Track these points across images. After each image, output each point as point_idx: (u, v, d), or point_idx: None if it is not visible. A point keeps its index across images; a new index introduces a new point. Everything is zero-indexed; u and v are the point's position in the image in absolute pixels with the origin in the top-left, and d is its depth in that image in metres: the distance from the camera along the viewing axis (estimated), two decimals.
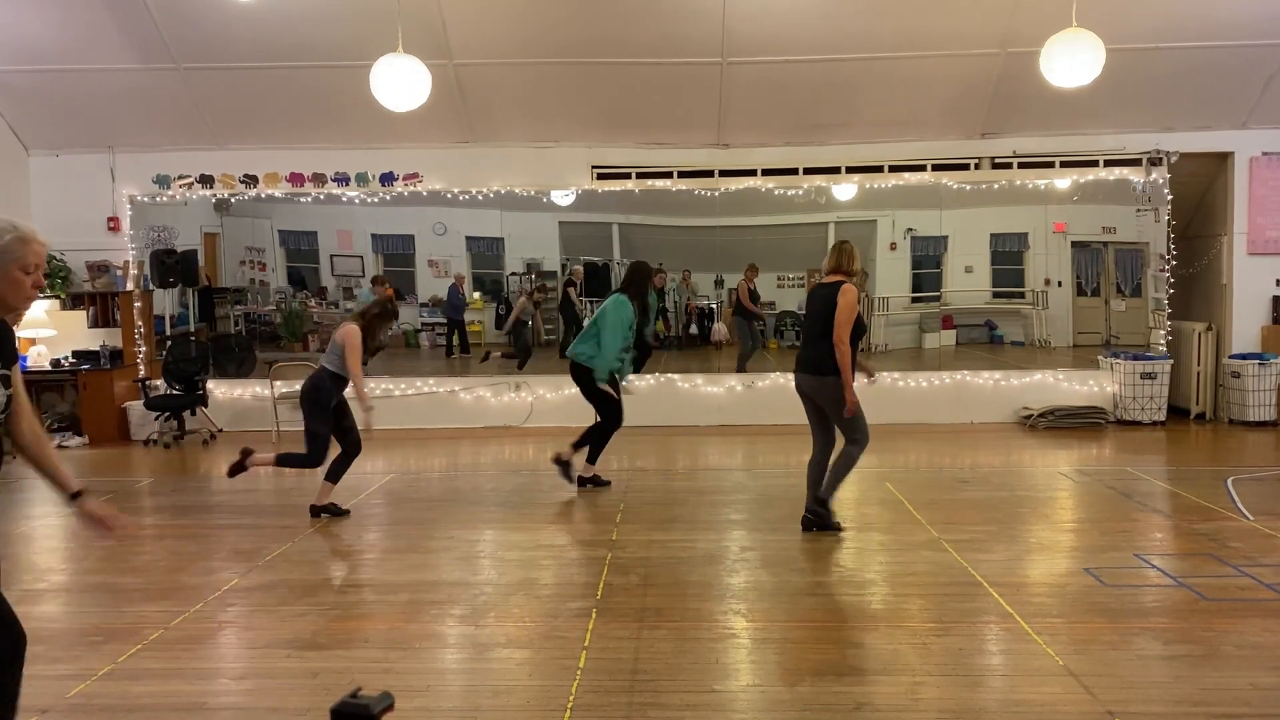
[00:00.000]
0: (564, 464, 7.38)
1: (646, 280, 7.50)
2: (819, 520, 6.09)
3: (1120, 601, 4.79)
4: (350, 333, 6.50)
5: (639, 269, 7.46)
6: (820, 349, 5.89)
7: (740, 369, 11.31)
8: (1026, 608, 4.69)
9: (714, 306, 13.44)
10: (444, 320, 13.32)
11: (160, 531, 6.55)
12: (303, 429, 6.67)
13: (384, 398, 10.54)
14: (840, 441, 6.05)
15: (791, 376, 6.16)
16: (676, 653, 4.21)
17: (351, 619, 4.78)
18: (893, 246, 12.69)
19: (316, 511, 6.70)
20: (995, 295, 13.18)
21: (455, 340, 13.20)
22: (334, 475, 6.74)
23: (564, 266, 13.32)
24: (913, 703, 3.69)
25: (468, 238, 13.35)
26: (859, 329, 5.90)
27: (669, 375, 10.89)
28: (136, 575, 5.49)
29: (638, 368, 9.10)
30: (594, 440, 7.43)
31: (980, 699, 3.75)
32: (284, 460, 6.76)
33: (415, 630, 4.56)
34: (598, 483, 7.50)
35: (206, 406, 10.36)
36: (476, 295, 13.39)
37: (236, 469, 6.71)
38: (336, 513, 6.72)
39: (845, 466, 6.03)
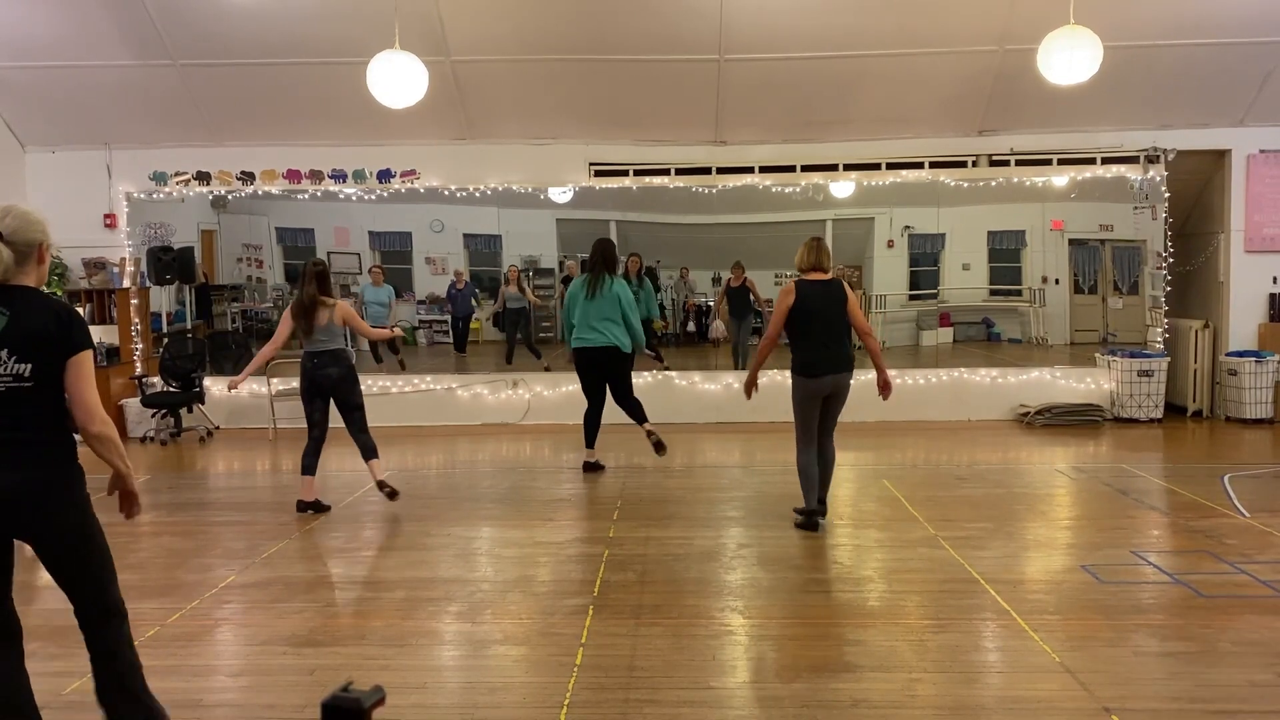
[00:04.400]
0: (657, 442, 7.72)
1: (615, 252, 7.81)
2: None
3: (1117, 598, 4.79)
4: (347, 311, 6.66)
5: (606, 245, 7.75)
6: (845, 347, 6.00)
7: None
8: (1023, 604, 4.69)
9: (712, 304, 13.43)
10: (443, 318, 13.29)
11: (157, 528, 6.55)
12: (342, 416, 6.72)
13: (380, 395, 10.54)
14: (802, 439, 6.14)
15: (791, 373, 6.07)
16: (673, 649, 4.21)
17: (348, 616, 4.78)
18: (890, 244, 12.70)
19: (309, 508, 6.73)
20: (993, 293, 13.18)
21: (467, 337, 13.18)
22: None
23: (561, 264, 13.30)
24: (909, 699, 3.69)
25: (465, 235, 13.33)
26: None
27: (666, 373, 10.88)
28: (133, 572, 5.48)
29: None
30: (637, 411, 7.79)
31: (977, 695, 3.75)
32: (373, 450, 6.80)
33: (412, 627, 4.56)
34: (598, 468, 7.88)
35: (203, 404, 10.34)
36: (476, 292, 13.36)
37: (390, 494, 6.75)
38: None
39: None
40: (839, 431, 6.27)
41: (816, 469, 6.10)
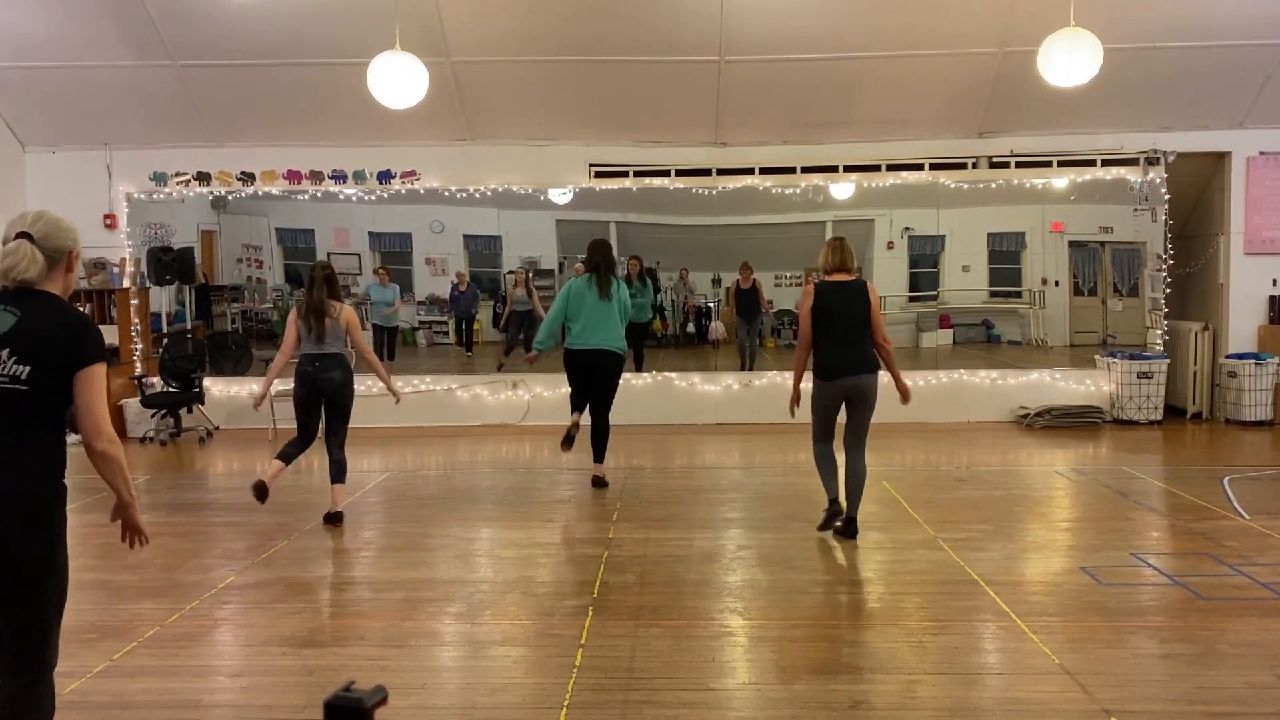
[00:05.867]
0: (600, 480, 7.42)
1: (611, 252, 7.55)
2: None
3: (1116, 600, 4.79)
4: (352, 317, 6.51)
5: (606, 246, 7.47)
6: (867, 348, 5.83)
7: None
8: (1023, 606, 4.69)
9: (711, 305, 13.43)
10: (442, 318, 13.29)
11: (156, 529, 6.51)
12: (328, 424, 6.54)
13: (380, 395, 10.47)
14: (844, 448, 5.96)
15: (812, 376, 5.92)
16: (673, 651, 4.21)
17: (347, 616, 4.78)
18: (890, 245, 12.69)
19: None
20: (992, 294, 13.18)
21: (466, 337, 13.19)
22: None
23: (561, 265, 13.30)
24: (909, 701, 3.69)
25: (465, 236, 13.32)
26: None
27: (666, 374, 10.89)
28: (132, 572, 5.48)
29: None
30: (605, 440, 7.45)
31: (976, 697, 3.75)
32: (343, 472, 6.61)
33: (411, 628, 4.55)
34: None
35: (203, 404, 10.33)
36: (478, 294, 13.37)
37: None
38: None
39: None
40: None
41: (835, 458, 5.94)
